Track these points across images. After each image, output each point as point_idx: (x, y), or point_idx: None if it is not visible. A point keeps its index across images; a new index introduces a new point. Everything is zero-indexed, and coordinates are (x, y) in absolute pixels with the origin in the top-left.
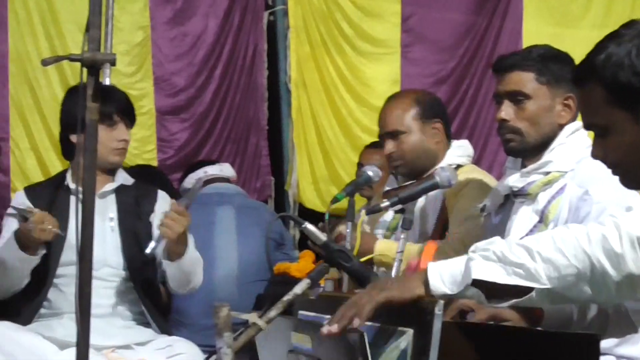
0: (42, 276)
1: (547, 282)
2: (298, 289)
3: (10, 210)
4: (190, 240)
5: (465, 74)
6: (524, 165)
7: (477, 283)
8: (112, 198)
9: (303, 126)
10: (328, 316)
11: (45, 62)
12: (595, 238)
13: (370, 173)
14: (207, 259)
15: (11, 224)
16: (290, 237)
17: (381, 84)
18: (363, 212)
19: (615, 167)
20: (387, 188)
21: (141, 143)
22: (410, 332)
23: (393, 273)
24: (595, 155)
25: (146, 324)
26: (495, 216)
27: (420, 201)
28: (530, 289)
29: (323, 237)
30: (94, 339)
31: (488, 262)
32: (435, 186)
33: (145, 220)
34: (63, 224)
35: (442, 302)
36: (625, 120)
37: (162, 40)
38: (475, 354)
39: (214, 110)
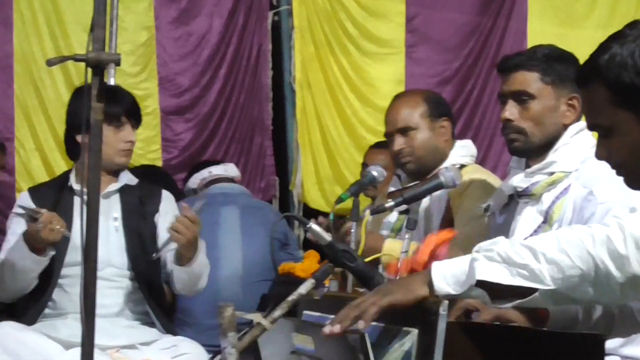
0: (47, 276)
1: (551, 283)
2: (303, 289)
3: (17, 210)
4: (202, 244)
5: (469, 74)
6: (528, 166)
7: (481, 283)
8: (116, 198)
9: (307, 126)
10: (332, 316)
11: (50, 63)
12: (599, 239)
13: (374, 173)
14: (211, 259)
15: (16, 226)
16: (295, 237)
17: (386, 84)
18: (367, 212)
19: (620, 168)
20: (391, 189)
21: (146, 143)
22: (414, 332)
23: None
24: (599, 156)
25: (151, 324)
26: (499, 216)
27: (425, 201)
28: (534, 290)
29: (328, 237)
30: (99, 339)
31: (492, 262)
32: (439, 186)
33: (150, 220)
34: (67, 225)
35: (446, 302)
36: (629, 121)
37: (166, 40)
38: (480, 355)
39: (219, 110)
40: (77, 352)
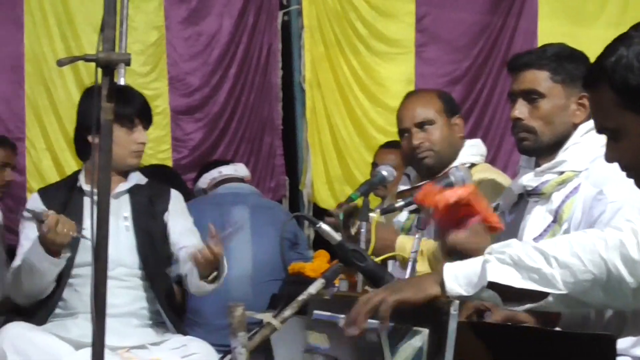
0: (58, 276)
1: (563, 288)
2: (312, 288)
3: (25, 214)
4: (224, 265)
5: (479, 73)
6: (537, 165)
7: (493, 285)
8: (126, 198)
9: (317, 126)
10: (342, 316)
11: (60, 63)
12: (612, 244)
13: (384, 173)
14: None
15: (28, 230)
16: (305, 237)
17: (395, 83)
18: (378, 211)
19: (629, 170)
20: (400, 188)
21: (156, 143)
22: (425, 331)
23: (407, 272)
24: (608, 158)
25: (161, 324)
26: (508, 215)
27: None
28: (546, 294)
29: (338, 236)
30: (109, 340)
31: (504, 265)
32: (449, 186)
33: (160, 219)
34: (77, 225)
35: (457, 302)
36: (636, 123)
37: (176, 40)
38: (491, 355)
39: (229, 110)
40: (87, 352)
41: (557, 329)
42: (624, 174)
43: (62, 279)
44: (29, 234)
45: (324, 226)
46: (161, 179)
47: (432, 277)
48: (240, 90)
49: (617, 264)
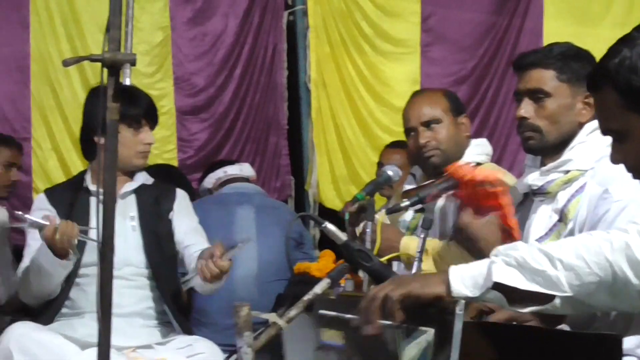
0: (66, 277)
1: (569, 290)
2: (318, 288)
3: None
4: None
5: (485, 73)
6: (543, 164)
7: (499, 287)
8: (132, 198)
9: (323, 126)
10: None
11: (66, 63)
12: (618, 246)
13: (390, 172)
14: None
15: (34, 231)
16: (310, 237)
17: (401, 83)
18: (383, 211)
19: (635, 171)
20: (406, 187)
21: (161, 143)
22: (431, 331)
23: (413, 272)
24: (614, 160)
25: (167, 323)
26: (514, 214)
27: (441, 200)
28: (552, 296)
29: (343, 236)
30: (115, 339)
31: (509, 267)
32: (455, 185)
33: (165, 218)
34: (84, 226)
35: (463, 302)
36: None
37: (182, 40)
38: (497, 354)
39: (234, 110)
40: (93, 352)
41: (565, 327)
42: (630, 174)
43: (70, 278)
44: (35, 234)
45: (330, 226)
46: (166, 179)
47: (438, 276)
48: (246, 90)
49: (623, 266)
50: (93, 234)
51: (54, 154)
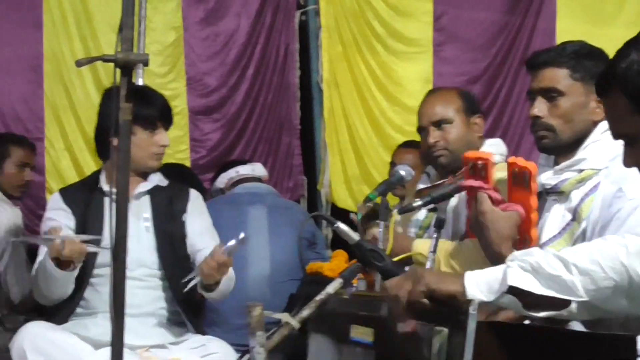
0: (79, 277)
1: (584, 295)
2: (330, 288)
3: (49, 215)
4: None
5: (498, 73)
6: (557, 163)
7: (514, 292)
8: (146, 199)
9: (335, 126)
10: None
11: (79, 63)
12: (633, 250)
13: (402, 172)
14: (239, 259)
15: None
16: (322, 237)
17: (413, 83)
18: (395, 211)
19: None
20: (420, 186)
21: (174, 143)
22: (445, 331)
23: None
24: (626, 163)
25: (181, 323)
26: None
27: (453, 200)
28: (567, 302)
29: (356, 236)
30: (129, 339)
31: (525, 272)
32: (459, 189)
33: (179, 219)
34: (98, 226)
35: (476, 302)
36: None
37: (194, 40)
38: (509, 354)
39: (246, 110)
40: (106, 352)
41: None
42: None
43: (84, 279)
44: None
45: (342, 226)
46: (178, 179)
47: (453, 276)
48: (258, 90)
49: (639, 270)
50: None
51: (67, 154)
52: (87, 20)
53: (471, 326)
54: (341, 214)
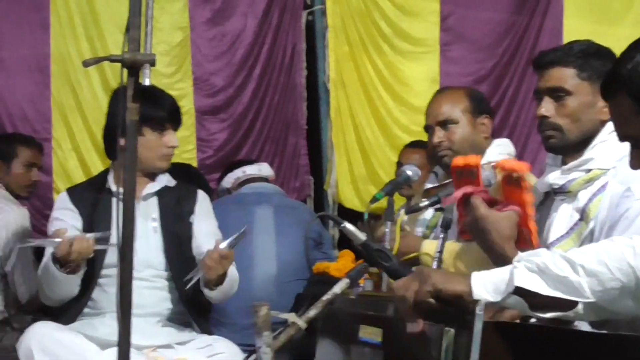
0: (87, 277)
1: (591, 296)
2: (337, 288)
3: (56, 214)
4: (231, 267)
5: (505, 73)
6: (564, 163)
7: (520, 292)
8: (154, 200)
9: (342, 126)
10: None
11: (86, 63)
12: None
13: (409, 172)
14: (245, 259)
15: (56, 228)
16: (329, 237)
17: (420, 83)
18: (402, 211)
19: None
20: (427, 186)
21: (181, 143)
22: (451, 331)
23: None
24: (633, 166)
25: (187, 324)
26: (535, 214)
27: None
28: (574, 303)
29: (362, 236)
30: (136, 339)
31: (531, 273)
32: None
33: (186, 220)
34: (105, 226)
35: (483, 302)
36: None
37: (201, 40)
38: (517, 355)
39: (253, 110)
40: (113, 352)
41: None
42: None
43: (92, 279)
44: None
45: (349, 226)
46: (184, 178)
47: (460, 276)
48: (265, 90)
49: None
50: (113, 236)
51: (74, 154)
52: (94, 21)
53: (478, 326)
54: (348, 214)
